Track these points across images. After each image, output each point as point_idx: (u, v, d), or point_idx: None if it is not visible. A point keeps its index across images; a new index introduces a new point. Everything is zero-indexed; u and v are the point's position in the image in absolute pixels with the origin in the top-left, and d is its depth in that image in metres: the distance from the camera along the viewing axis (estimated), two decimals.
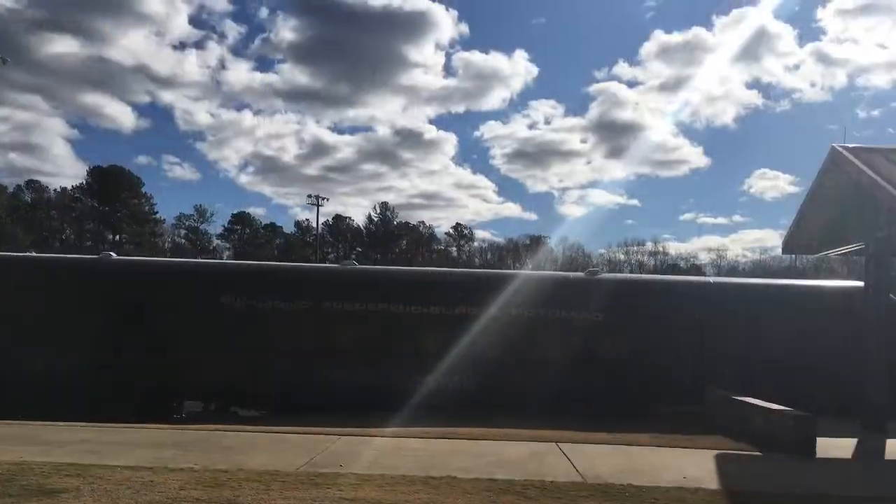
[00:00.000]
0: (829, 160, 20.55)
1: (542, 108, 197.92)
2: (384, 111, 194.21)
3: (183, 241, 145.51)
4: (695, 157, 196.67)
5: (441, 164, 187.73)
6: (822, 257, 27.68)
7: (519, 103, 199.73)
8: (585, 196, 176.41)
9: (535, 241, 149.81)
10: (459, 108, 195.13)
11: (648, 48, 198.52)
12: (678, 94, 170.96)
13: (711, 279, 35.41)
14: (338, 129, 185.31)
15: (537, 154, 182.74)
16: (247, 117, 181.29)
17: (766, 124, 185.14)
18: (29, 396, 21.92)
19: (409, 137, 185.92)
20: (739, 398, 19.86)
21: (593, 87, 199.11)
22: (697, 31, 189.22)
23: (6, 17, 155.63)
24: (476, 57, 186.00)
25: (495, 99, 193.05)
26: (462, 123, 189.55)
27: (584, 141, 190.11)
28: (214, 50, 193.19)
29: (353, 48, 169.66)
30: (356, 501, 11.05)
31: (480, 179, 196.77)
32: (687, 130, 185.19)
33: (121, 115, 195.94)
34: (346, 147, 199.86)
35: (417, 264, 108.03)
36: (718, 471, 14.44)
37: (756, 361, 24.15)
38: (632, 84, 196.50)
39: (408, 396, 23.26)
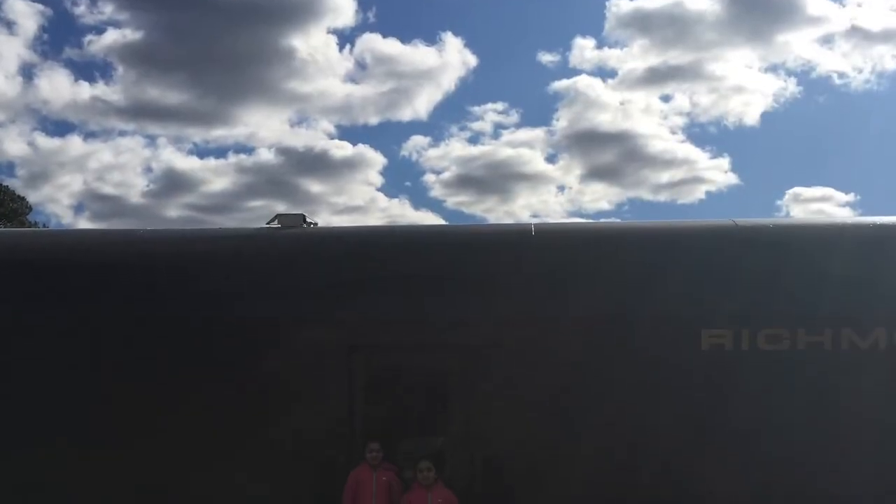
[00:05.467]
0: None
1: (490, 115, 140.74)
2: (269, 129, 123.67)
3: None
4: (714, 174, 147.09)
5: (366, 198, 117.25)
6: None
7: (455, 109, 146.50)
8: None
9: None
10: (373, 119, 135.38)
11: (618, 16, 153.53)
12: (681, 84, 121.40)
13: None
14: (201, 153, 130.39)
15: (491, 180, 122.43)
16: (75, 144, 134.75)
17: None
18: None
19: (312, 163, 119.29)
20: None
21: (558, 84, 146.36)
22: None
23: None
24: (390, 47, 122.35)
25: (421, 104, 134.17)
26: (383, 140, 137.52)
27: (550, 159, 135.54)
28: (11, 47, 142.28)
29: (217, 44, 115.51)
30: None
31: (426, 216, 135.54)
32: (699, 137, 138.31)
33: None
34: (218, 178, 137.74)
35: None
36: None
37: None
38: (607, 74, 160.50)
39: None
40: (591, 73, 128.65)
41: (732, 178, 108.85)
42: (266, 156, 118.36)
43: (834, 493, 10.97)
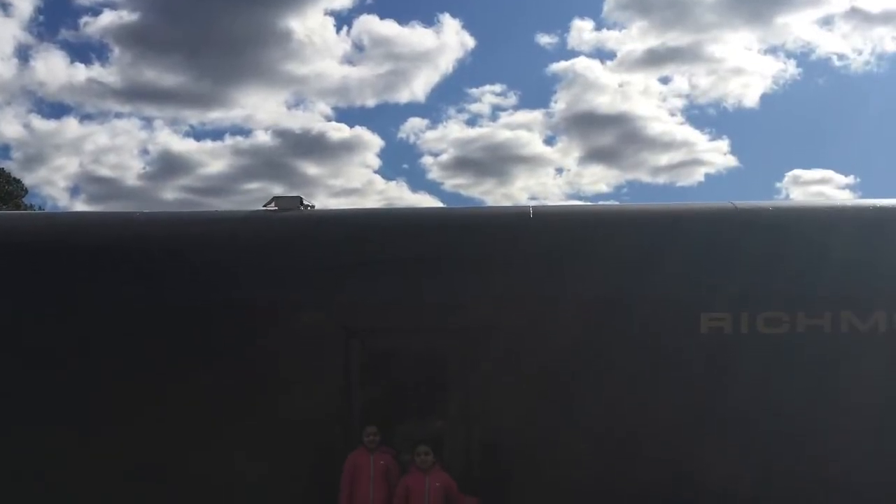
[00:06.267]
0: None
1: (487, 97, 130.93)
2: (266, 111, 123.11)
3: None
4: (713, 156, 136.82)
5: (364, 181, 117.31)
6: None
7: (452, 91, 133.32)
8: None
9: None
10: (370, 102, 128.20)
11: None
12: (680, 66, 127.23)
13: None
14: (197, 135, 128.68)
15: (489, 162, 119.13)
16: (71, 126, 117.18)
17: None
18: None
19: (309, 145, 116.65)
20: None
21: (556, 66, 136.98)
22: None
23: None
24: (387, 28, 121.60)
25: (419, 86, 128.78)
26: (381, 122, 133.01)
27: (548, 141, 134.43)
28: (7, 29, 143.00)
29: (214, 26, 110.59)
30: None
31: (423, 199, 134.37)
32: (698, 119, 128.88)
33: None
34: (214, 160, 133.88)
35: None
36: None
37: None
38: (606, 56, 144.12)
39: None
40: (590, 55, 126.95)
41: (732, 161, 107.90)
42: (263, 138, 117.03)
43: (834, 476, 10.97)
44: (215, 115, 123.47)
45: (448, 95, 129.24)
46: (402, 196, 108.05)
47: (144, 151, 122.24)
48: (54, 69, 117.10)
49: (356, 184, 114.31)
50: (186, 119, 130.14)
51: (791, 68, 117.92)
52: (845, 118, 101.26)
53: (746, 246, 11.78)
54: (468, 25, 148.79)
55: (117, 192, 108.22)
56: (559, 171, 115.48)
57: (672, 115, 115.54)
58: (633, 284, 11.60)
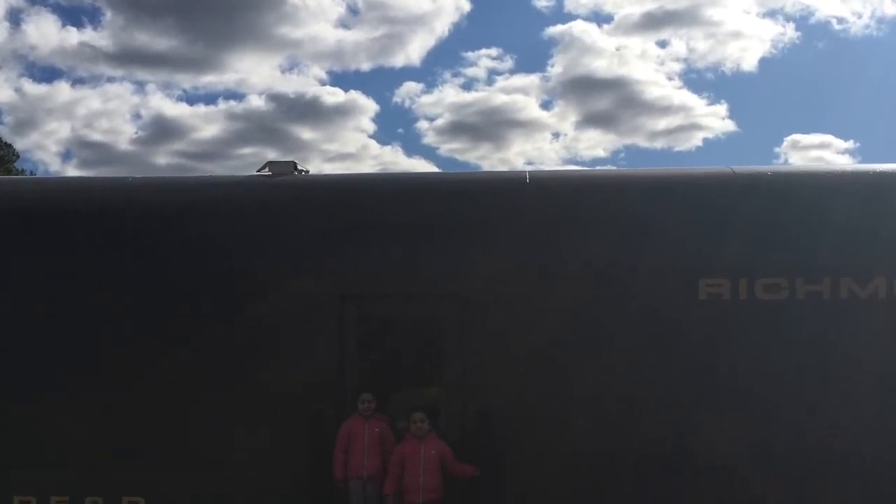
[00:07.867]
0: None
1: (483, 61, 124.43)
2: (260, 75, 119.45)
3: None
4: (711, 121, 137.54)
5: (358, 145, 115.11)
6: None
7: (448, 54, 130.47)
8: None
9: None
10: (365, 66, 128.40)
11: None
12: (677, 29, 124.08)
13: None
14: (190, 99, 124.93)
15: (485, 127, 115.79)
16: (62, 90, 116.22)
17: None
18: None
19: (303, 109, 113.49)
20: None
21: (553, 29, 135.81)
22: None
23: None
24: None
25: (414, 50, 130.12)
26: (376, 86, 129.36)
27: (545, 106, 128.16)
28: None
29: None
30: None
31: (418, 164, 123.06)
32: (696, 83, 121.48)
33: None
34: (208, 125, 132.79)
35: None
36: None
37: None
38: (603, 19, 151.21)
39: None
40: (587, 19, 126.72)
41: (730, 125, 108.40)
42: (256, 102, 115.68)
43: (833, 445, 10.96)
44: (208, 80, 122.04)
45: (444, 59, 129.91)
46: (397, 161, 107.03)
47: (137, 116, 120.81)
48: (46, 33, 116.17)
49: (351, 149, 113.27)
50: (179, 83, 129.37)
51: (790, 32, 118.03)
52: (845, 82, 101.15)
53: (745, 211, 11.68)
54: None
55: (109, 156, 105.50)
56: (556, 135, 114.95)
57: (670, 79, 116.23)
58: (631, 250, 11.51)
